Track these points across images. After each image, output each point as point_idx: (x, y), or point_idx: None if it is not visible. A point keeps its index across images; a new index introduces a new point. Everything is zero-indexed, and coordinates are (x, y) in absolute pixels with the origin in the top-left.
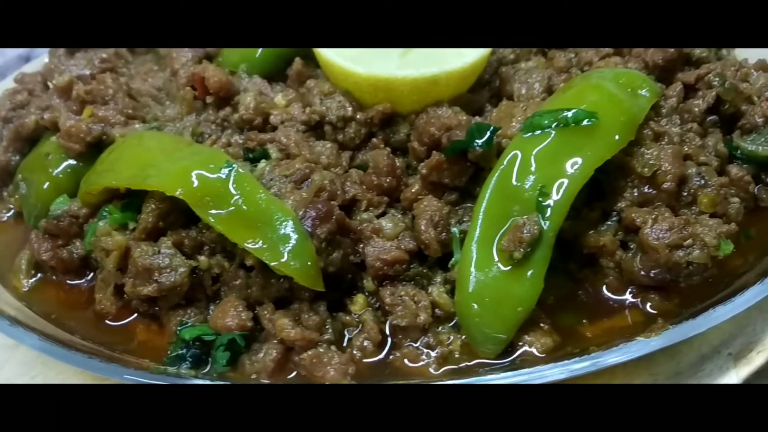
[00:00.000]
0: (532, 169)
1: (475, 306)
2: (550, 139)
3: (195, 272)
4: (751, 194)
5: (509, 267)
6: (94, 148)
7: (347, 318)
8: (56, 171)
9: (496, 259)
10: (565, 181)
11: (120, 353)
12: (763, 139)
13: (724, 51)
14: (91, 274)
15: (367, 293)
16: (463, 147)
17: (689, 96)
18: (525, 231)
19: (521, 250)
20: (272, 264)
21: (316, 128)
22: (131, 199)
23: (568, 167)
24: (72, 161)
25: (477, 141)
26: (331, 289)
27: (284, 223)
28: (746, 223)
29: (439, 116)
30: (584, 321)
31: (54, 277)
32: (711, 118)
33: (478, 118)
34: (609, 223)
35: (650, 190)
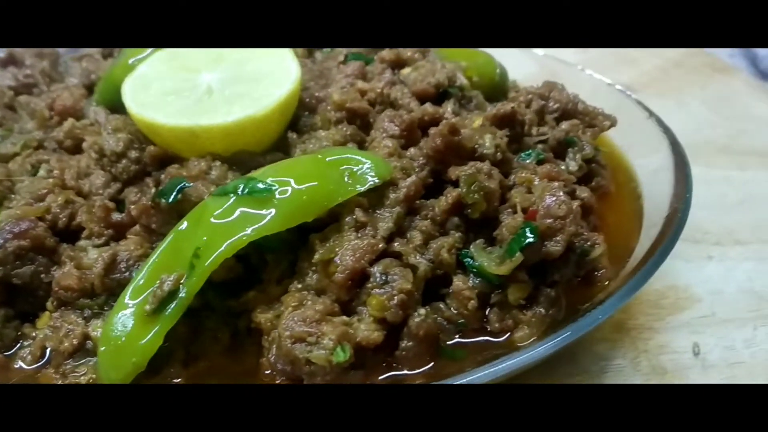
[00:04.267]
0: (200, 231)
1: (103, 348)
2: (227, 204)
3: None
4: (472, 312)
5: (142, 319)
6: None
7: (28, 330)
8: None
9: (135, 308)
10: (218, 248)
11: None
12: (496, 254)
13: (575, 158)
14: None
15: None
16: (159, 197)
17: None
18: (158, 288)
19: (151, 305)
20: None
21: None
22: None
23: (227, 235)
24: None
25: (166, 194)
26: (23, 300)
27: None
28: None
29: (179, 165)
30: None
31: None
32: (453, 219)
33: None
34: None
35: (324, 279)
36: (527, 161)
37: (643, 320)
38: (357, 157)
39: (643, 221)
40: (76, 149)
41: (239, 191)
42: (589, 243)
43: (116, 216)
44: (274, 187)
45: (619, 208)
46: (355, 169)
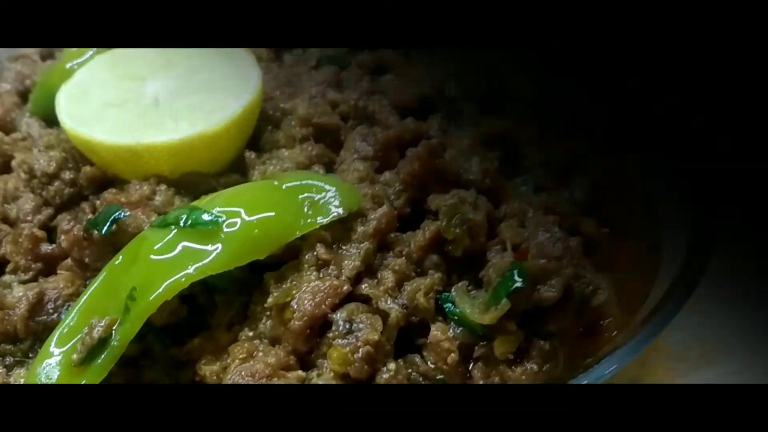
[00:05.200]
0: (137, 268)
1: None
2: (167, 238)
3: None
4: (453, 368)
5: (69, 370)
6: None
7: None
8: None
9: (62, 357)
10: (156, 290)
11: None
12: (480, 300)
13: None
14: None
15: None
16: (91, 228)
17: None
18: (87, 334)
19: (79, 354)
20: None
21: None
22: None
23: (167, 274)
24: None
25: (99, 224)
26: None
27: None
28: None
29: (118, 188)
30: None
31: None
32: (432, 257)
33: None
34: None
35: (279, 326)
36: (523, 188)
37: (662, 376)
38: (319, 183)
39: (663, 257)
40: (4, 168)
41: (181, 223)
42: (591, 287)
43: (46, 247)
44: (221, 219)
45: (637, 242)
46: (316, 198)
